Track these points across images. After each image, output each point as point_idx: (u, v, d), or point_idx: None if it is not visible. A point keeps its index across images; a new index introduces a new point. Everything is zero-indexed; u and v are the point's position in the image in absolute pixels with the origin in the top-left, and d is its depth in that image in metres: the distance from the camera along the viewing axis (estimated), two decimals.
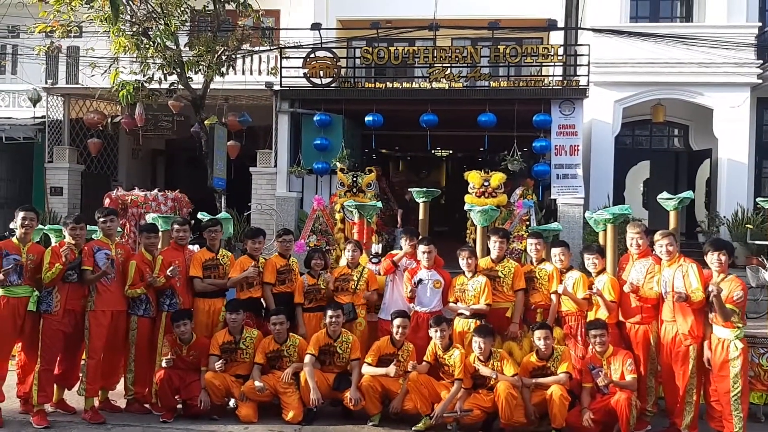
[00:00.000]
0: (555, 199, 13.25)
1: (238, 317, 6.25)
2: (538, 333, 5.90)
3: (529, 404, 5.83)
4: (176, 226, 6.69)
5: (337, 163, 12.51)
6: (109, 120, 13.97)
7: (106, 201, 9.88)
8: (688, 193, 7.28)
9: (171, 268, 6.24)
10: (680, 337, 5.65)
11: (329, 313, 6.24)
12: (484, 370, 5.85)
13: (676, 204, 7.00)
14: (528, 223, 10.95)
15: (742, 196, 13.68)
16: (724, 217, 13.54)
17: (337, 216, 10.91)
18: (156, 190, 10.93)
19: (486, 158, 17.37)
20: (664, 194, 7.21)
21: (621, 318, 6.13)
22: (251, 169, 13.95)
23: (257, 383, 6.05)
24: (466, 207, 8.37)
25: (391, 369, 6.02)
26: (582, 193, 13.15)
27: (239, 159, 14.05)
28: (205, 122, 11.56)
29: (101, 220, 6.38)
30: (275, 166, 13.79)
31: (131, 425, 5.91)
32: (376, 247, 7.65)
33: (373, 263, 7.24)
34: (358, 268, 6.83)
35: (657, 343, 5.93)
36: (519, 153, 13.08)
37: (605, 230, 7.27)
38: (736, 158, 13.89)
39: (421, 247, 6.62)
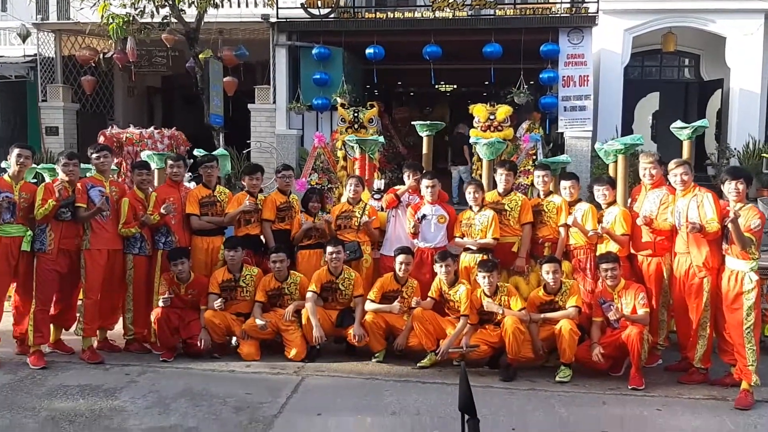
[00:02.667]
0: (562, 133, 12.99)
1: (237, 254, 6.07)
2: (546, 267, 5.71)
3: (537, 339, 5.69)
4: (170, 162, 6.43)
5: (338, 99, 12.17)
6: (101, 55, 13.52)
7: (101, 139, 9.59)
8: (703, 122, 7.04)
9: (165, 205, 6.02)
10: (694, 269, 5.44)
11: (329, 249, 6.05)
12: (491, 306, 5.68)
13: (690, 133, 6.78)
14: (535, 157, 10.71)
15: (753, 128, 13.37)
16: (735, 149, 13.25)
17: (339, 153, 10.60)
18: (152, 128, 10.63)
19: (492, 92, 16.96)
20: (678, 123, 6.98)
21: (632, 251, 5.94)
22: (249, 106, 13.61)
23: (258, 321, 5.91)
24: (471, 140, 8.08)
25: (395, 306, 5.87)
26: (590, 125, 12.89)
27: (237, 96, 13.69)
28: (200, 56, 11.15)
29: (94, 156, 6.14)
30: (274, 102, 13.46)
31: (130, 365, 5.80)
32: (379, 183, 7.40)
33: (375, 199, 7.01)
34: (360, 204, 6.61)
35: (670, 276, 5.74)
36: (525, 86, 12.73)
37: (615, 162, 7.05)
38: (748, 88, 13.52)
39: (425, 182, 6.37)
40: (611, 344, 5.52)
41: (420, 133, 7.82)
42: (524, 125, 11.80)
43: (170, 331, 5.94)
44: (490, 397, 5.12)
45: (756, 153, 12.75)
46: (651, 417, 4.85)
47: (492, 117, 11.06)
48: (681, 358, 5.79)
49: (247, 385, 5.32)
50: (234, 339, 6.15)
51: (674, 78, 15.90)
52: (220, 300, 5.93)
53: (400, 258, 6.00)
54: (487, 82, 14.70)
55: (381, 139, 8.30)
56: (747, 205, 5.26)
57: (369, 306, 5.97)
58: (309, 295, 5.98)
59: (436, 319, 5.89)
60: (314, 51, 12.93)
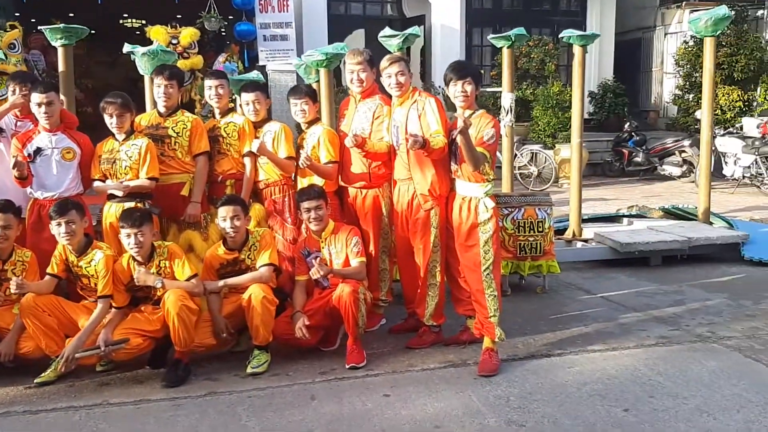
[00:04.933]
0: (264, 66, 11.45)
1: None
2: (221, 211, 3.94)
3: (218, 317, 3.94)
4: None
5: None
6: None
7: None
8: (414, 29, 6.05)
9: None
10: (419, 199, 4.13)
11: None
12: (144, 276, 3.79)
13: (401, 43, 5.69)
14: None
15: None
16: (440, 86, 12.92)
17: None
18: None
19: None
20: (387, 30, 5.84)
21: (342, 182, 4.47)
22: None
23: None
24: (125, 49, 5.92)
25: None
26: (294, 57, 11.49)
27: None
28: None
29: None
30: None
31: None
32: None
33: None
34: None
35: (390, 212, 4.40)
36: (217, 11, 10.87)
37: (318, 81, 5.61)
38: (449, 24, 13.39)
39: (35, 96, 4.15)
40: (320, 311, 4.01)
41: (53, 43, 5.49)
42: (220, 58, 10.48)
43: None
44: (141, 422, 3.29)
45: None
46: (377, 409, 3.42)
47: (175, 41, 9.27)
48: (408, 315, 4.53)
49: None
50: None
51: (378, 15, 15.28)
52: None
53: None
54: (180, 16, 12.50)
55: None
56: (478, 112, 4.05)
57: None
58: None
59: (61, 307, 3.81)
60: None
